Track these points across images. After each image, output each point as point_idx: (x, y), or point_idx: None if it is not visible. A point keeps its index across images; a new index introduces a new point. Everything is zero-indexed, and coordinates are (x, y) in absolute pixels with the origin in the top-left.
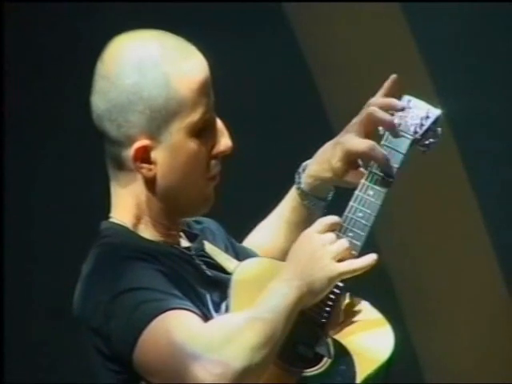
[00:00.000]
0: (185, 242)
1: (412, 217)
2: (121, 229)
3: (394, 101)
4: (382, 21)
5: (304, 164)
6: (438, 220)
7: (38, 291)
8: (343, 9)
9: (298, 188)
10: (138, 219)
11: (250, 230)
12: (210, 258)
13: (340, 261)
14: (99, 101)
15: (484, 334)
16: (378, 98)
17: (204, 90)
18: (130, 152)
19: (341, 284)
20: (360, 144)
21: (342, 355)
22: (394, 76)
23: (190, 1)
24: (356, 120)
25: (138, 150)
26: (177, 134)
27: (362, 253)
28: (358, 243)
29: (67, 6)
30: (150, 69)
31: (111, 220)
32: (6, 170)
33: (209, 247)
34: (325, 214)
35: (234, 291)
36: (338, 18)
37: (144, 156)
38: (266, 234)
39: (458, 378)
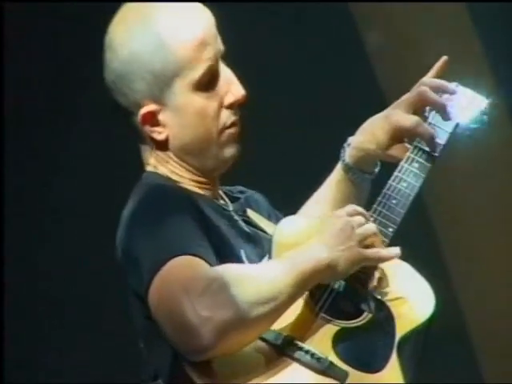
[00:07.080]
0: (225, 203)
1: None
2: (159, 176)
3: (445, 83)
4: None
5: (350, 139)
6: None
7: (38, 290)
8: None
9: (343, 161)
10: (171, 173)
11: (295, 203)
12: (249, 218)
13: (367, 246)
14: (107, 73)
15: None
16: (430, 79)
17: (203, 44)
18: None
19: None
20: (407, 119)
21: (383, 312)
22: (445, 57)
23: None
24: (406, 97)
25: (145, 115)
26: (181, 94)
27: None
28: (392, 226)
29: (67, 6)
30: (143, 34)
31: (149, 170)
32: (6, 170)
33: (250, 212)
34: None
35: (274, 253)
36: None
37: (153, 120)
38: (313, 210)
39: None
